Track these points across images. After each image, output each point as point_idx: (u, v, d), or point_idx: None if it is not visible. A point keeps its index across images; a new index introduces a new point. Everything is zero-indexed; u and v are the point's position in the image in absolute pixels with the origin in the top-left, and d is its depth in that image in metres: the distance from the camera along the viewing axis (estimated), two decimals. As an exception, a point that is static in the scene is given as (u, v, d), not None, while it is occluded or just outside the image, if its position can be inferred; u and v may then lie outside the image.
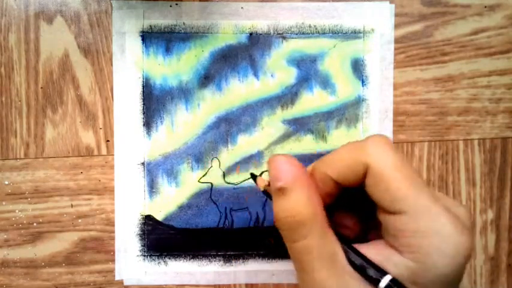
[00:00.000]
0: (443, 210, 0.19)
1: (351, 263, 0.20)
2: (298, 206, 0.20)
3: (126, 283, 0.31)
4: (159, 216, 0.31)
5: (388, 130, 0.31)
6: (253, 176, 0.24)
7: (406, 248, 0.19)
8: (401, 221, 0.19)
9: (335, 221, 0.23)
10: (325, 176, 0.21)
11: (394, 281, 0.19)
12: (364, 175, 0.20)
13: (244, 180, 0.31)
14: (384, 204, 0.20)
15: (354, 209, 0.23)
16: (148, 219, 0.31)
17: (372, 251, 0.20)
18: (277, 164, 0.21)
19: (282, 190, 0.21)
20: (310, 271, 0.20)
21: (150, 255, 0.31)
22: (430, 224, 0.19)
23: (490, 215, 0.32)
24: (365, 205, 0.22)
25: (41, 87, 0.30)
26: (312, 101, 0.31)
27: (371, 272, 0.19)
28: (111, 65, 0.31)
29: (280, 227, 0.21)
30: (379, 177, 0.20)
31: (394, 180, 0.19)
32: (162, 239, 0.31)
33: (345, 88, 0.31)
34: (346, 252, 0.20)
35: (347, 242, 0.20)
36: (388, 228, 0.20)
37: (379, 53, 0.31)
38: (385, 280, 0.19)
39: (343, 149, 0.21)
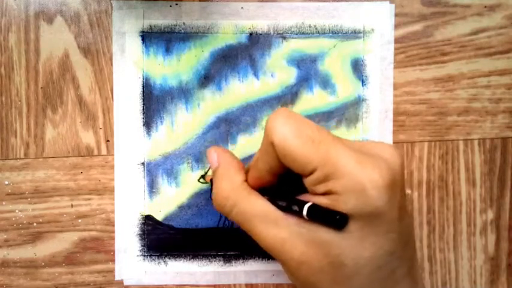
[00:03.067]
0: (343, 152, 0.21)
1: (281, 208, 0.23)
2: (221, 186, 0.24)
3: (126, 283, 0.31)
4: (159, 216, 0.31)
5: (388, 130, 0.31)
6: (202, 177, 0.30)
7: (326, 195, 0.21)
8: (314, 177, 0.21)
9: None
10: (259, 169, 0.24)
11: (313, 205, 0.21)
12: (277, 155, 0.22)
13: (244, 180, 0.31)
14: (299, 171, 0.22)
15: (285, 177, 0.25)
16: (148, 219, 0.31)
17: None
18: (209, 153, 0.26)
19: (213, 174, 0.25)
20: (252, 230, 0.23)
21: (150, 255, 0.31)
22: (332, 168, 0.20)
23: (490, 215, 0.32)
24: None
25: (41, 87, 0.30)
26: (312, 101, 0.31)
27: (295, 207, 0.22)
28: (111, 65, 0.31)
29: (214, 205, 0.25)
30: (283, 151, 0.21)
31: (296, 149, 0.21)
32: (162, 239, 0.31)
33: (345, 88, 0.31)
34: (274, 203, 0.23)
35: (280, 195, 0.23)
36: (310, 187, 0.22)
37: (379, 53, 0.31)
38: (306, 207, 0.21)
39: (261, 146, 0.24)
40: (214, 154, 0.26)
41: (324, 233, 0.21)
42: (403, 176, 0.22)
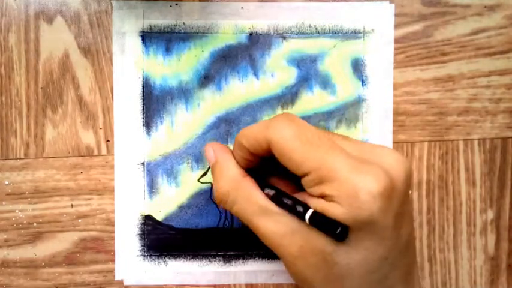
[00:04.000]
0: (339, 157, 0.21)
1: (284, 206, 0.23)
2: (221, 182, 0.25)
3: (126, 283, 0.31)
4: (159, 216, 0.31)
5: (388, 130, 0.31)
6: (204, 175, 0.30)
7: (324, 197, 0.21)
8: (309, 179, 0.21)
9: (272, 183, 0.26)
10: (242, 145, 0.24)
11: (315, 213, 0.21)
12: (269, 148, 0.23)
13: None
14: (294, 171, 0.22)
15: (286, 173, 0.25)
16: (148, 219, 0.31)
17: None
18: (206, 150, 0.26)
19: (211, 170, 0.26)
20: (252, 224, 0.23)
21: (150, 255, 0.31)
22: (327, 173, 0.21)
23: (490, 215, 0.32)
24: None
25: (41, 87, 0.30)
26: (312, 101, 0.31)
27: (299, 208, 0.22)
28: (111, 65, 0.31)
29: (215, 200, 0.25)
30: (280, 150, 0.22)
31: (294, 150, 0.22)
32: (162, 239, 0.31)
33: (345, 88, 0.31)
34: (278, 200, 0.23)
35: (282, 193, 0.24)
36: (307, 190, 0.22)
37: (379, 53, 0.31)
38: (309, 213, 0.21)
39: (256, 124, 0.24)
40: (211, 150, 0.26)
41: (321, 234, 0.22)
42: (406, 184, 0.22)
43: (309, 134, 0.22)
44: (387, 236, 0.21)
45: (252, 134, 0.24)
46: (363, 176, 0.20)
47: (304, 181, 0.22)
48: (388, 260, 0.21)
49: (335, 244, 0.21)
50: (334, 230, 0.21)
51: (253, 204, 0.23)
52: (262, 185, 0.25)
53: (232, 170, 0.25)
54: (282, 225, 0.23)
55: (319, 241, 0.21)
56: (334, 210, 0.21)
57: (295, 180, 0.24)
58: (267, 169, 0.26)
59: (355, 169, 0.21)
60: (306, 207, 0.22)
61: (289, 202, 0.23)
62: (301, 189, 0.23)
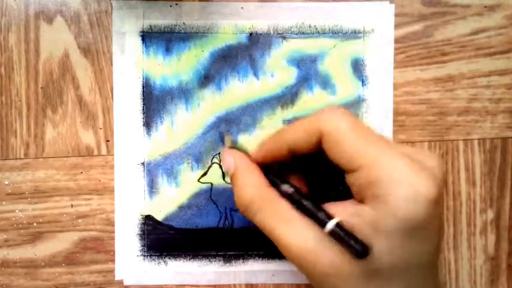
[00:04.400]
0: (397, 157, 0.20)
1: (304, 208, 0.22)
2: (244, 190, 0.24)
3: (126, 283, 0.31)
4: (159, 216, 0.31)
5: (388, 130, 0.31)
6: (222, 136, 0.30)
7: (369, 199, 0.20)
8: (360, 175, 0.21)
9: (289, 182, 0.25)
10: (284, 142, 0.24)
11: (339, 224, 0.20)
12: (318, 142, 0.22)
13: (244, 180, 0.31)
14: (343, 164, 0.21)
15: (306, 174, 0.25)
16: (148, 219, 0.31)
17: (339, 207, 0.22)
18: (224, 157, 0.26)
19: (232, 178, 0.25)
20: (275, 236, 0.22)
21: (150, 255, 0.31)
22: (384, 172, 0.20)
23: (490, 215, 0.32)
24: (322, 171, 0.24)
25: (41, 87, 0.30)
26: (312, 101, 0.31)
27: (322, 216, 0.21)
28: (111, 65, 0.31)
29: (237, 208, 0.24)
30: (334, 141, 0.21)
31: (348, 141, 0.21)
32: (162, 239, 0.31)
33: (345, 88, 0.31)
34: (296, 201, 0.22)
35: (309, 198, 0.23)
36: (353, 186, 0.21)
37: (379, 53, 0.31)
38: (332, 223, 0.20)
39: (302, 119, 0.24)
40: (230, 158, 0.25)
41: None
42: (444, 187, 0.22)
43: (364, 129, 0.22)
44: (433, 240, 0.21)
45: (301, 127, 0.23)
46: (423, 180, 0.20)
47: (352, 177, 0.21)
48: (429, 263, 0.21)
49: (379, 252, 0.20)
50: (355, 246, 0.20)
51: (278, 213, 0.23)
52: (280, 181, 0.24)
53: (257, 178, 0.24)
54: (309, 238, 0.21)
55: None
56: (390, 216, 0.20)
57: (313, 187, 0.24)
58: (283, 170, 0.25)
59: (414, 172, 0.20)
60: (329, 216, 0.21)
61: (309, 205, 0.22)
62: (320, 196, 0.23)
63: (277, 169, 0.25)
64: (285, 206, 0.23)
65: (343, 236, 0.20)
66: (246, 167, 0.25)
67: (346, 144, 0.21)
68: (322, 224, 0.21)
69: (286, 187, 0.23)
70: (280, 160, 0.25)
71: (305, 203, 0.22)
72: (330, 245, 0.21)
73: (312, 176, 0.23)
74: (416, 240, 0.20)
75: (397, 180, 0.20)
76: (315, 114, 0.23)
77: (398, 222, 0.20)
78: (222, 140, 0.29)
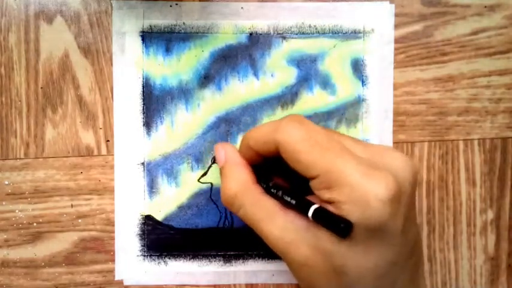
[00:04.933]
0: (350, 162, 0.21)
1: (291, 205, 0.23)
2: (229, 184, 0.25)
3: (126, 283, 0.31)
4: (159, 216, 0.31)
5: (388, 130, 0.31)
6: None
7: (329, 204, 0.21)
8: (318, 182, 0.21)
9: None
10: (249, 146, 0.25)
11: (319, 208, 0.21)
12: (277, 150, 0.23)
13: (244, 180, 0.31)
14: (302, 172, 0.22)
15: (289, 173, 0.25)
16: (148, 219, 0.31)
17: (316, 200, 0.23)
18: (216, 150, 0.27)
19: (220, 171, 0.26)
20: (258, 229, 0.23)
21: (150, 255, 0.31)
22: (337, 178, 0.21)
23: (490, 215, 0.32)
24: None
25: (41, 87, 0.30)
26: (312, 101, 0.31)
27: (304, 204, 0.22)
28: (111, 65, 0.31)
29: (222, 202, 0.25)
30: (289, 152, 0.22)
31: (302, 152, 0.21)
32: (162, 239, 0.31)
33: (345, 88, 0.31)
34: (283, 198, 0.23)
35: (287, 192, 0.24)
36: (315, 191, 0.22)
37: (379, 53, 0.31)
38: (313, 207, 0.21)
39: (264, 125, 0.24)
40: (222, 151, 0.26)
41: (329, 242, 0.21)
42: (413, 187, 0.22)
43: (318, 137, 0.22)
44: (396, 241, 0.21)
45: (260, 136, 0.24)
46: (373, 181, 0.20)
47: (313, 184, 0.22)
48: (398, 264, 0.21)
49: (344, 255, 0.21)
50: (338, 225, 0.20)
51: (260, 209, 0.23)
52: (266, 179, 0.25)
53: (242, 173, 0.25)
54: (289, 231, 0.22)
55: (327, 249, 0.21)
56: (345, 216, 0.20)
57: (299, 182, 0.24)
58: (271, 168, 0.26)
59: (365, 175, 0.20)
60: (310, 203, 0.22)
61: (291, 197, 0.23)
62: (304, 191, 0.23)
63: (261, 166, 0.26)
64: (268, 202, 0.23)
65: (326, 217, 0.21)
66: (234, 161, 0.25)
67: (301, 155, 0.22)
68: (305, 211, 0.22)
69: (269, 183, 0.24)
70: (258, 162, 0.25)
71: (286, 196, 0.23)
72: (308, 241, 0.22)
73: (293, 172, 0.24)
74: (378, 240, 0.21)
75: (347, 185, 0.20)
76: (273, 123, 0.23)
77: (354, 225, 0.20)
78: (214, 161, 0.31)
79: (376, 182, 0.20)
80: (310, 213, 0.21)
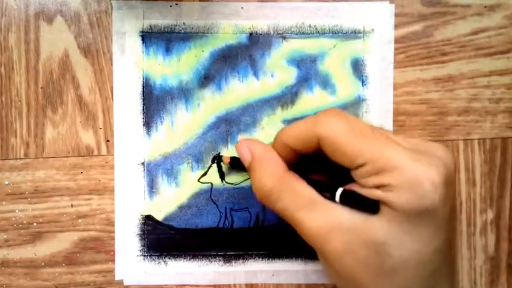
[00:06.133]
0: (398, 148, 0.21)
1: (325, 196, 0.23)
2: (262, 179, 0.24)
3: (126, 283, 0.31)
4: (159, 216, 0.31)
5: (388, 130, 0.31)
6: (218, 159, 0.30)
7: (379, 187, 0.21)
8: (364, 170, 0.21)
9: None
10: (285, 145, 0.24)
11: (346, 191, 0.22)
12: (318, 144, 0.23)
13: (244, 180, 0.31)
14: (346, 164, 0.22)
15: (325, 168, 0.25)
16: (148, 219, 0.31)
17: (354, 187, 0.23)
18: (239, 148, 0.26)
19: (249, 168, 0.25)
20: (296, 219, 0.23)
21: (150, 255, 0.31)
22: (386, 162, 0.21)
23: (490, 215, 0.32)
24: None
25: (41, 87, 0.30)
26: (312, 101, 0.31)
27: (330, 189, 0.22)
28: (111, 65, 0.31)
29: (258, 199, 0.24)
30: (333, 145, 0.22)
31: (347, 143, 0.21)
32: (162, 239, 0.31)
33: (345, 88, 0.31)
34: (318, 190, 0.23)
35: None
36: (359, 180, 0.22)
37: (379, 53, 0.31)
38: (339, 191, 0.22)
39: (299, 122, 0.24)
40: (245, 148, 0.25)
41: (373, 224, 0.21)
42: (455, 176, 0.22)
43: (361, 127, 0.22)
44: (443, 228, 0.21)
45: (298, 133, 0.23)
46: (424, 166, 0.20)
47: (358, 172, 0.22)
48: (442, 252, 0.21)
49: (389, 235, 0.21)
50: (367, 201, 0.21)
51: (299, 197, 0.23)
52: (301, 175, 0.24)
53: (274, 165, 0.24)
54: (329, 218, 0.22)
55: (371, 232, 0.21)
56: (394, 199, 0.20)
57: (335, 176, 0.24)
58: (306, 165, 0.25)
59: (415, 159, 0.20)
60: (335, 187, 0.22)
61: (322, 184, 0.23)
62: (340, 184, 0.23)
63: (298, 168, 0.25)
64: (306, 189, 0.23)
65: (353, 198, 0.21)
66: (264, 155, 0.25)
67: (346, 146, 0.21)
68: (332, 196, 0.22)
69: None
70: (293, 160, 0.25)
71: (320, 189, 0.23)
72: (349, 225, 0.21)
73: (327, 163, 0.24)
74: (425, 225, 0.20)
75: (398, 168, 0.20)
76: (311, 118, 0.23)
77: (406, 208, 0.20)
78: (219, 161, 0.31)
79: (427, 166, 0.20)
80: (337, 197, 0.22)
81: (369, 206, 0.21)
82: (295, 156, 0.24)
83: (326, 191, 0.23)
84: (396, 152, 0.21)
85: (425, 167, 0.20)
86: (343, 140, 0.21)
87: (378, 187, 0.21)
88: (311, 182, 0.24)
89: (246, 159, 0.25)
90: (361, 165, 0.21)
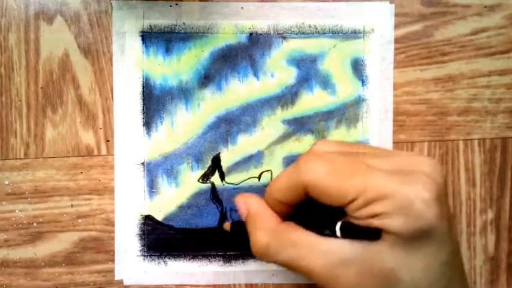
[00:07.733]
0: (382, 176, 0.21)
1: (327, 234, 0.23)
2: (257, 235, 0.24)
3: (126, 283, 0.31)
4: (159, 216, 0.31)
5: (388, 130, 0.31)
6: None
7: (374, 217, 0.21)
8: (355, 205, 0.21)
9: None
10: (275, 199, 0.24)
11: (345, 223, 0.22)
12: (306, 192, 0.23)
13: (244, 180, 0.31)
14: (336, 204, 0.22)
15: (321, 206, 0.25)
16: (148, 219, 0.31)
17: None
18: (237, 203, 0.26)
19: (245, 223, 0.25)
20: (302, 267, 0.22)
21: (150, 255, 0.31)
22: (374, 193, 0.21)
23: (490, 215, 0.32)
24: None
25: (41, 87, 0.30)
26: (312, 101, 0.31)
27: (328, 229, 0.22)
28: (111, 65, 0.31)
29: (256, 256, 0.24)
30: (318, 189, 0.22)
31: (331, 185, 0.22)
32: (162, 239, 0.31)
33: (345, 88, 0.31)
34: (319, 229, 0.23)
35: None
36: (353, 215, 0.22)
37: (379, 53, 0.31)
38: (339, 224, 0.22)
39: (283, 174, 0.24)
40: (242, 203, 0.26)
41: (378, 251, 0.21)
42: (445, 187, 0.22)
43: (339, 166, 0.22)
44: (445, 240, 0.21)
45: (285, 184, 0.23)
46: (412, 186, 0.20)
47: (350, 208, 0.22)
48: (449, 264, 0.21)
49: (394, 260, 0.21)
50: (368, 230, 0.21)
51: (298, 246, 0.23)
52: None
53: (266, 220, 0.24)
54: (333, 255, 0.22)
55: (377, 260, 0.21)
56: (390, 225, 0.20)
57: (333, 211, 0.24)
58: (303, 208, 0.25)
59: (402, 182, 0.20)
60: (333, 223, 0.22)
61: (328, 232, 0.23)
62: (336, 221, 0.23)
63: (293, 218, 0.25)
64: (303, 235, 0.23)
65: (354, 229, 0.21)
66: (257, 210, 0.25)
67: (330, 189, 0.22)
68: (332, 234, 0.22)
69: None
70: (288, 213, 0.25)
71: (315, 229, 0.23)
72: (354, 261, 0.21)
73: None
74: (428, 243, 0.21)
75: (387, 195, 0.20)
76: (293, 167, 0.23)
77: (403, 232, 0.20)
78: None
79: (415, 186, 0.20)
80: (337, 230, 0.22)
81: (371, 233, 0.21)
82: (288, 207, 0.24)
83: (326, 229, 0.22)
84: (381, 180, 0.21)
85: (413, 188, 0.20)
86: (327, 183, 0.22)
87: (372, 217, 0.21)
88: (310, 224, 0.23)
89: (243, 214, 0.26)
90: (351, 201, 0.21)
